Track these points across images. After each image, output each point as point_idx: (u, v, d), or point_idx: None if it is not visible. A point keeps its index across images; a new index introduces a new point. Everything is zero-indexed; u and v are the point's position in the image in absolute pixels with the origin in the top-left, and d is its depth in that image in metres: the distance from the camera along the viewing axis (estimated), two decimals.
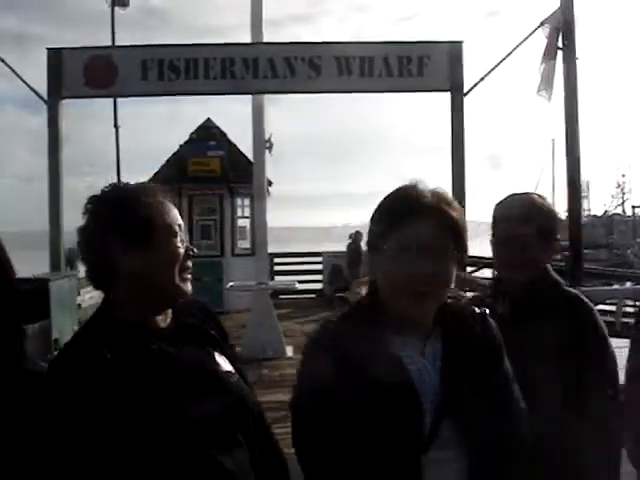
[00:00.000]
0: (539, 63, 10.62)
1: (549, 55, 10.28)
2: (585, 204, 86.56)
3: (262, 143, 11.63)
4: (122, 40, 20.75)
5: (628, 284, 18.87)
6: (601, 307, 16.27)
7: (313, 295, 19.69)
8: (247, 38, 11.36)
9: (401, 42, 11.67)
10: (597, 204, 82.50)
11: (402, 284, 1.76)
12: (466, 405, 1.72)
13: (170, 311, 1.87)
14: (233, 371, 1.93)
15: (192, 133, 18.81)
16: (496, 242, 2.60)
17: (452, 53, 11.43)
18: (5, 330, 1.74)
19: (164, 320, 1.85)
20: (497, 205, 2.63)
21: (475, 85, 11.63)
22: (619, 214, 77.70)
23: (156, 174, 18.29)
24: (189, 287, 1.87)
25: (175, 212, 1.88)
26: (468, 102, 11.54)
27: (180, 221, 1.87)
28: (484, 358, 1.81)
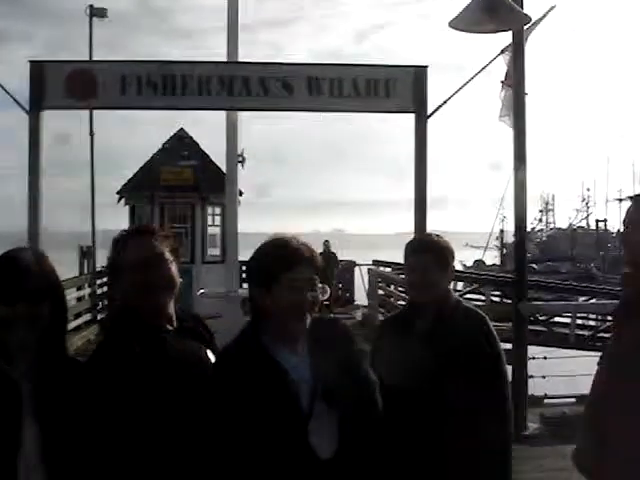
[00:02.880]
0: (500, 89, 11.29)
1: (509, 82, 10.94)
2: (550, 217, 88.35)
3: (235, 157, 12.13)
4: (97, 42, 21.06)
5: (581, 299, 19.78)
6: (557, 319, 17.09)
7: None
8: (222, 41, 11.87)
9: (369, 65, 12.29)
10: (562, 217, 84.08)
11: (294, 308, 2.45)
12: (331, 384, 2.41)
13: (175, 317, 2.53)
14: None
15: (165, 142, 19.31)
16: (405, 268, 3.37)
17: (417, 77, 12.05)
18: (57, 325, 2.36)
19: (172, 322, 2.51)
20: (407, 243, 3.40)
21: (438, 108, 12.26)
22: (583, 227, 79.16)
23: (130, 180, 18.75)
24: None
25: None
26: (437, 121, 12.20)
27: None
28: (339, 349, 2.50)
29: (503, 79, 11.34)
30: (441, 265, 3.25)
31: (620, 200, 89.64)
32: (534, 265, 62.07)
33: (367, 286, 18.00)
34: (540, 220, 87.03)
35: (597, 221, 76.83)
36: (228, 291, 12.54)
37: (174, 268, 2.55)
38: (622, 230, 3.16)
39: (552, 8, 11.04)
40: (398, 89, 12.01)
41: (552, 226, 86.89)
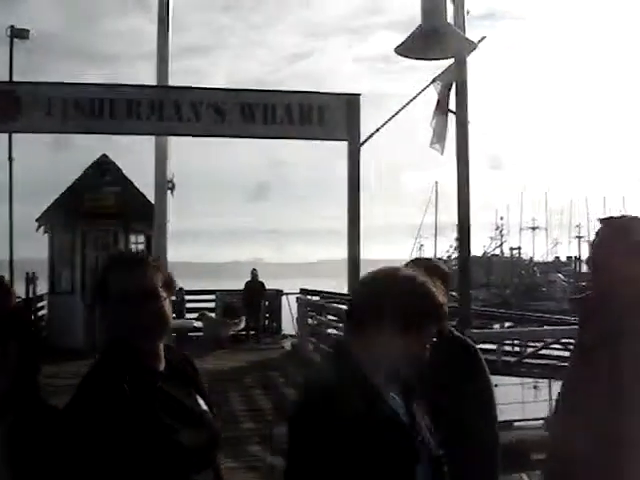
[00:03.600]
0: (431, 117, 11.39)
1: (440, 110, 11.06)
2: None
3: (164, 183, 11.82)
4: (17, 64, 20.17)
5: (507, 324, 20.14)
6: (482, 346, 17.31)
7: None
8: (138, 67, 11.65)
9: (303, 92, 12.26)
10: (477, 245, 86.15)
11: (418, 359, 2.20)
12: (421, 425, 2.18)
13: (163, 357, 2.25)
14: (207, 410, 2.33)
15: (87, 168, 18.67)
16: None
17: (350, 105, 12.10)
18: (28, 366, 2.04)
19: (162, 363, 2.23)
20: (405, 265, 3.23)
21: (370, 136, 12.31)
22: (497, 255, 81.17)
23: (49, 207, 18.05)
24: None
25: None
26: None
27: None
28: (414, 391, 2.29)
29: (435, 107, 11.42)
30: (446, 291, 3.13)
31: (533, 229, 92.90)
32: (451, 292, 63.28)
33: (295, 315, 17.76)
34: (456, 248, 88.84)
35: (511, 249, 78.94)
36: None
37: (167, 304, 2.29)
38: (590, 252, 3.13)
39: (483, 39, 11.24)
40: (331, 117, 12.02)
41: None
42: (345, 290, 19.02)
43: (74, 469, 1.93)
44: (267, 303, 20.24)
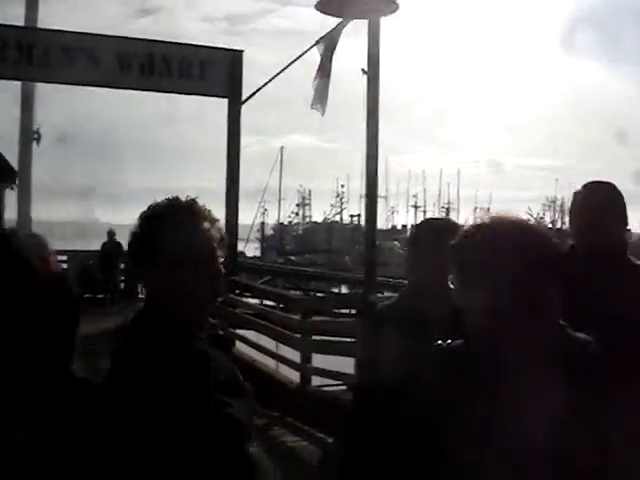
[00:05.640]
0: (313, 79, 11.24)
1: (322, 72, 10.93)
2: (307, 211, 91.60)
3: (30, 134, 10.92)
4: None
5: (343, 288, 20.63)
6: None
7: None
8: None
9: (183, 44, 11.67)
10: (318, 212, 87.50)
11: None
12: None
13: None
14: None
15: None
16: (427, 250, 2.79)
17: (232, 61, 11.63)
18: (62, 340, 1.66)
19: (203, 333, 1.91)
20: (434, 225, 2.93)
21: (252, 95, 11.93)
22: (337, 222, 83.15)
23: None
24: None
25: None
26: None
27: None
28: None
29: (317, 69, 11.32)
30: None
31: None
32: (292, 257, 64.06)
33: None
34: (297, 214, 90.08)
35: (351, 216, 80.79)
36: None
37: (222, 266, 1.91)
38: (578, 213, 3.13)
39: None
40: (213, 72, 11.50)
41: (308, 220, 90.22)
42: None
43: (123, 452, 1.59)
44: (123, 265, 19.34)
